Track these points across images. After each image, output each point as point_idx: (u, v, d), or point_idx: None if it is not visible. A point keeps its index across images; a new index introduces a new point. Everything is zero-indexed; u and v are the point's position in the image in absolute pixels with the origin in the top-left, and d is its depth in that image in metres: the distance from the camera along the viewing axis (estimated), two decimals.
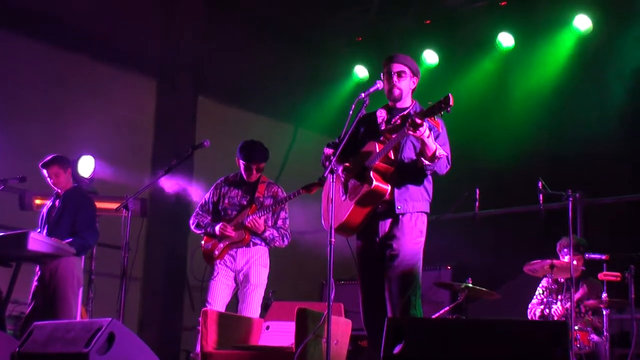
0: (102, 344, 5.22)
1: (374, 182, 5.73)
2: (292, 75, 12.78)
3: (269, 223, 7.57)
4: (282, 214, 7.64)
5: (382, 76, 6.02)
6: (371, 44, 12.28)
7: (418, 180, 5.88)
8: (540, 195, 8.41)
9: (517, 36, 11.20)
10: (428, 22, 11.67)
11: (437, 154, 5.61)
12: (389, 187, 5.77)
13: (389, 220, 5.90)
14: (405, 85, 5.98)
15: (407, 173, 5.83)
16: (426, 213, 5.98)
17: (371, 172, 5.78)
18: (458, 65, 11.50)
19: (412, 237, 5.86)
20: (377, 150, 5.81)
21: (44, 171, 8.07)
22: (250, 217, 7.40)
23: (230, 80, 12.36)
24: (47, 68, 10.40)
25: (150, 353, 5.49)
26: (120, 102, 10.90)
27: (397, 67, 5.97)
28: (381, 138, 5.85)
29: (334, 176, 5.60)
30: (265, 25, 12.57)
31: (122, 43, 11.13)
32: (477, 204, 9.27)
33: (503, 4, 11.00)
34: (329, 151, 6.19)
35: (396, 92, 5.96)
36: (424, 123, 5.41)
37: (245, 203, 7.58)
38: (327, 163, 6.12)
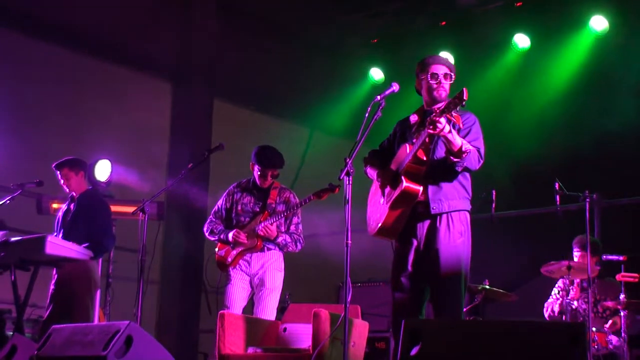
0: (120, 346, 5.24)
1: (404, 184, 5.72)
2: (307, 78, 12.79)
3: (282, 229, 7.58)
4: (295, 220, 7.65)
5: (421, 77, 5.99)
6: (387, 46, 12.30)
7: (451, 178, 5.82)
8: (557, 197, 8.40)
9: (533, 37, 11.19)
10: (443, 23, 11.66)
11: (463, 149, 5.56)
12: (420, 188, 5.74)
13: (427, 222, 5.83)
14: (448, 86, 5.98)
15: (440, 172, 5.79)
16: (466, 211, 5.90)
17: (402, 174, 5.79)
18: (473, 67, 11.48)
19: (452, 239, 5.78)
20: (407, 153, 5.83)
21: (57, 173, 8.12)
22: (262, 224, 7.42)
23: (245, 83, 12.38)
24: (64, 72, 10.44)
25: (168, 356, 5.51)
26: (136, 105, 10.93)
27: (443, 68, 5.96)
28: (413, 140, 5.85)
29: (350, 179, 5.59)
30: (279, 28, 12.59)
31: (138, 47, 11.18)
32: (493, 205, 9.24)
33: (518, 4, 10.97)
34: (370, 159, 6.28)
35: (443, 93, 5.93)
36: (442, 120, 5.41)
37: (257, 210, 7.60)
38: (367, 169, 6.19)
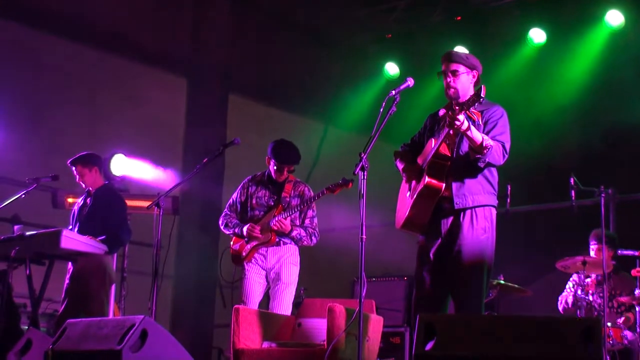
0: (135, 341, 5.24)
1: (427, 179, 5.71)
2: (322, 73, 12.78)
3: (297, 222, 7.57)
4: (310, 213, 7.64)
5: (438, 75, 5.99)
6: (401, 41, 12.26)
7: (475, 174, 5.76)
8: (573, 192, 8.38)
9: (549, 32, 11.12)
10: (458, 18, 11.61)
11: (484, 144, 5.52)
12: (443, 184, 5.71)
13: (450, 218, 5.79)
14: (462, 83, 5.90)
15: (463, 167, 5.75)
16: (492, 206, 5.85)
17: (425, 169, 5.78)
18: (489, 62, 11.29)
19: (475, 234, 5.73)
20: (432, 147, 5.82)
21: (72, 169, 8.14)
22: (277, 218, 7.41)
23: (259, 79, 12.39)
24: (79, 68, 10.46)
25: (182, 351, 5.50)
26: (151, 101, 10.94)
27: (451, 66, 5.92)
28: (440, 136, 5.83)
29: (365, 173, 5.57)
30: (293, 23, 12.59)
31: (152, 43, 11.20)
32: (508, 200, 9.22)
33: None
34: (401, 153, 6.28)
35: (451, 91, 5.90)
36: (460, 117, 5.38)
37: (272, 203, 7.59)
38: (397, 163, 6.19)
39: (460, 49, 11.25)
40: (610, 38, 10.77)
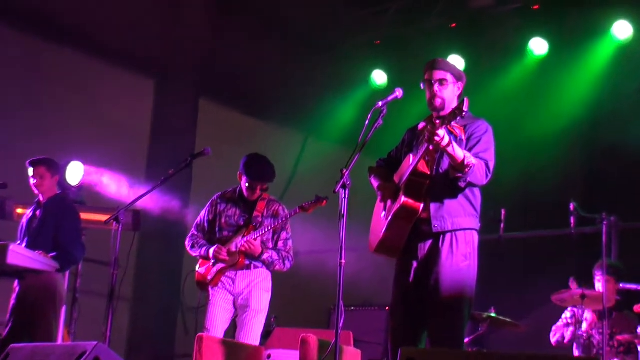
0: None
1: (403, 199, 5.66)
2: (303, 80, 12.74)
3: (269, 245, 7.51)
4: (284, 235, 7.58)
5: (421, 85, 5.95)
6: (391, 48, 12.24)
7: (455, 194, 5.73)
8: (572, 218, 8.37)
9: (551, 43, 11.14)
10: (453, 25, 11.61)
11: (466, 162, 5.48)
12: (420, 204, 5.66)
13: (428, 242, 5.75)
14: (448, 93, 5.88)
15: (443, 187, 5.71)
16: (474, 230, 5.80)
17: (401, 188, 5.73)
18: (485, 73, 11.44)
19: (455, 261, 5.67)
20: (410, 164, 5.78)
21: (30, 169, 8.04)
22: (245, 239, 7.35)
23: (235, 83, 12.32)
24: (33, 64, 10.37)
25: None
26: (114, 103, 10.86)
27: (437, 74, 5.88)
28: (419, 152, 5.79)
29: (346, 192, 5.53)
30: (275, 25, 12.54)
31: (117, 39, 11.09)
32: (502, 225, 9.21)
33: (535, 7, 10.92)
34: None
35: (437, 101, 5.86)
36: (440, 132, 5.33)
37: (242, 223, 7.54)
38: (371, 180, 6.14)
39: (455, 59, 11.30)
40: (618, 51, 10.79)
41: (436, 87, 5.86)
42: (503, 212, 9.20)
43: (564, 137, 11.24)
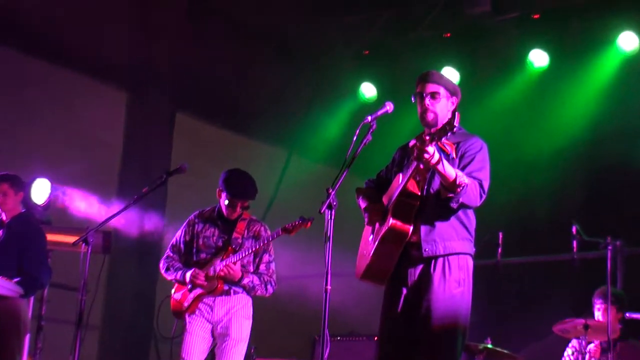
0: None
1: (391, 221, 5.66)
2: (287, 93, 12.76)
3: (250, 268, 7.51)
4: (266, 258, 7.59)
5: (413, 98, 5.97)
6: (380, 59, 12.28)
7: (447, 216, 5.74)
8: (575, 242, 8.41)
9: (552, 54, 11.18)
10: (448, 35, 11.66)
11: (457, 181, 5.48)
12: (410, 226, 5.67)
13: (419, 267, 5.76)
14: (441, 107, 5.88)
15: (435, 208, 5.72)
16: (468, 255, 5.81)
17: (390, 210, 5.74)
18: (481, 86, 11.49)
19: (447, 288, 5.68)
20: (399, 184, 5.78)
21: None
22: (224, 263, 7.35)
23: (214, 95, 12.32)
24: None
25: None
26: (83, 116, 10.83)
27: (430, 87, 5.89)
28: (408, 171, 5.80)
29: (332, 212, 5.54)
30: (257, 34, 12.57)
31: (87, 47, 11.06)
32: (499, 250, 9.23)
33: (536, 16, 10.96)
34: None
35: (429, 116, 5.87)
36: (430, 149, 5.33)
37: (221, 244, 7.54)
38: (359, 201, 6.15)
39: (449, 71, 11.33)
40: (623, 64, 10.84)
41: (428, 100, 5.87)
42: (500, 235, 9.22)
43: (565, 155, 11.28)
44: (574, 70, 11.16)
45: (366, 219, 6.06)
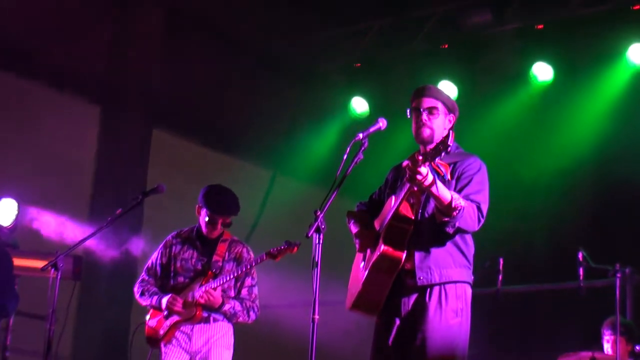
0: None
1: (383, 247, 5.65)
2: (272, 107, 12.78)
3: (231, 293, 7.52)
4: (248, 282, 7.59)
5: (408, 113, 5.98)
6: (373, 71, 12.31)
7: (443, 241, 5.73)
8: (581, 269, 8.43)
9: (557, 68, 11.21)
10: (445, 46, 11.70)
11: (453, 204, 5.46)
12: (403, 252, 5.66)
13: (413, 296, 5.75)
14: (438, 124, 5.88)
15: (430, 233, 5.72)
16: (466, 283, 5.81)
17: (381, 235, 5.74)
18: (480, 102, 11.53)
19: (444, 318, 5.67)
20: (391, 207, 5.79)
21: None
22: (204, 288, 7.36)
23: (193, 111, 12.34)
24: None
25: None
26: (53, 132, 10.84)
27: (427, 102, 5.89)
28: (401, 193, 5.80)
29: (321, 237, 5.54)
30: (239, 45, 12.58)
31: (58, 59, 11.07)
32: (500, 277, 9.23)
33: (539, 27, 11.00)
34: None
35: (425, 132, 5.86)
36: (423, 169, 5.30)
37: (200, 267, 7.54)
38: (350, 226, 6.15)
39: (446, 86, 11.34)
40: (633, 78, 10.87)
41: (424, 116, 5.86)
42: (501, 261, 9.22)
43: (570, 176, 11.30)
44: (581, 85, 11.19)
45: (357, 245, 6.05)
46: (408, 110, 5.98)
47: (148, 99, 11.81)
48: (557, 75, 11.26)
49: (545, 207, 11.36)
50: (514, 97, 11.62)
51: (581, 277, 8.45)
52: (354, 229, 6.12)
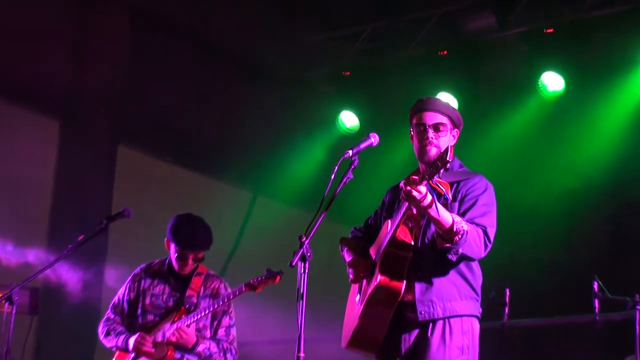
0: None
1: (379, 277, 5.64)
2: (251, 122, 12.77)
3: (207, 333, 7.50)
4: (225, 321, 7.59)
5: (411, 131, 5.98)
6: (364, 81, 12.31)
7: (447, 270, 5.72)
8: (596, 301, 8.43)
9: (568, 77, 11.18)
10: (444, 53, 11.70)
11: (455, 228, 5.44)
12: (402, 283, 5.66)
13: (414, 332, 5.76)
14: (445, 142, 5.86)
15: (432, 261, 5.71)
16: (473, 317, 5.80)
17: (377, 264, 5.73)
18: (483, 115, 11.54)
19: (447, 356, 5.67)
20: (387, 232, 5.78)
21: None
22: (176, 326, 7.34)
23: (163, 126, 12.31)
24: None
25: None
26: (7, 150, 10.83)
27: (432, 117, 5.88)
28: (397, 216, 5.78)
29: (306, 265, 5.52)
30: (215, 52, 12.58)
31: (11, 70, 11.07)
32: (506, 309, 9.24)
33: (549, 31, 10.97)
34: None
35: (432, 151, 5.83)
36: (421, 188, 5.29)
37: (172, 304, 7.53)
38: (344, 254, 6.14)
39: (445, 97, 11.30)
40: None
41: (430, 133, 5.85)
42: (507, 292, 9.23)
43: (584, 198, 11.31)
44: (595, 96, 11.18)
45: (351, 276, 6.03)
46: (411, 129, 5.96)
47: (113, 113, 11.78)
48: (569, 85, 11.24)
49: (555, 232, 11.36)
50: (520, 110, 11.62)
51: (596, 310, 8.45)
52: (347, 257, 6.11)
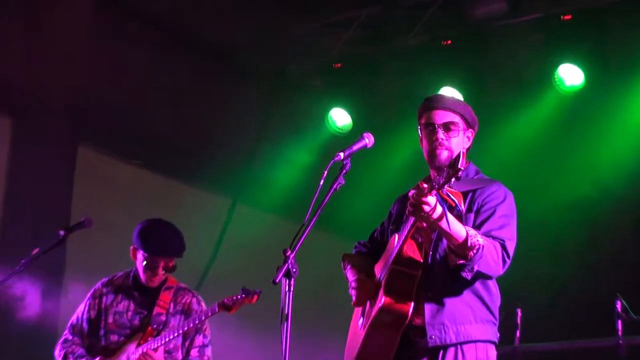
0: None
1: (383, 298, 5.62)
2: (231, 121, 12.75)
3: (178, 355, 7.49)
4: (199, 340, 7.59)
5: (419, 131, 5.97)
6: (357, 74, 12.29)
7: (460, 290, 5.71)
8: (619, 322, 8.42)
9: (588, 70, 11.15)
10: (447, 42, 11.64)
11: (469, 242, 5.40)
12: (409, 304, 5.63)
13: None
14: (457, 143, 5.88)
15: (444, 280, 5.69)
16: (490, 342, 5.78)
17: (382, 282, 5.70)
18: (492, 112, 11.46)
19: None
20: (394, 247, 5.75)
21: None
22: (143, 349, 7.30)
23: (130, 125, 12.27)
24: None
25: None
26: None
27: (442, 115, 5.89)
28: (404, 230, 5.74)
29: (292, 282, 5.47)
30: (191, 43, 12.55)
31: None
32: (517, 333, 9.23)
33: (566, 17, 10.89)
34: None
35: (443, 154, 5.85)
36: (430, 199, 5.26)
37: (138, 323, 7.49)
38: (347, 273, 6.12)
39: (449, 92, 11.27)
40: None
41: (441, 134, 5.85)
42: (519, 313, 9.22)
43: (605, 207, 11.32)
44: (619, 92, 11.17)
45: (353, 297, 6.01)
46: (419, 128, 5.97)
47: (72, 109, 11.74)
48: (589, 79, 11.20)
49: (573, 246, 11.36)
50: (534, 108, 11.61)
51: (619, 332, 8.46)
52: (350, 276, 6.11)
